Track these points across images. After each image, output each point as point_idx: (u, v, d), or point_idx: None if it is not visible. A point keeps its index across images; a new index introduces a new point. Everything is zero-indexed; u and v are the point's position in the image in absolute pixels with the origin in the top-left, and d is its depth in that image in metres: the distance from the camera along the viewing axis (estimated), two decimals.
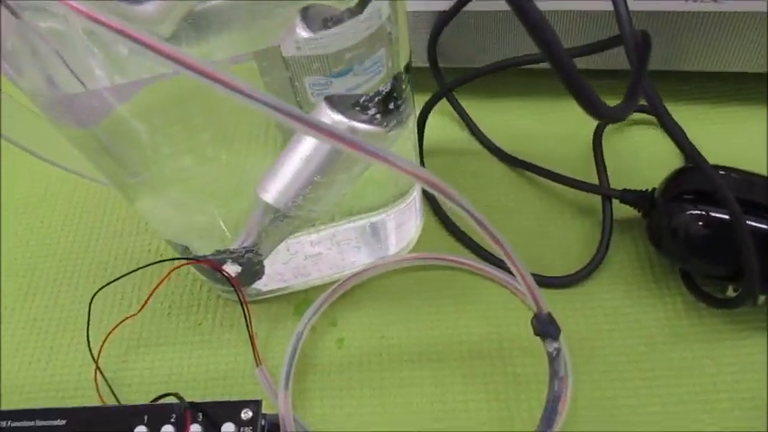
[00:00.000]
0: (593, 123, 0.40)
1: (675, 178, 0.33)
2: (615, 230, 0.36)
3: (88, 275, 0.38)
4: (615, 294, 0.34)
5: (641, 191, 0.34)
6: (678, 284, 0.34)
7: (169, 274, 0.30)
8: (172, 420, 0.28)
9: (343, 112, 0.25)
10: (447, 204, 0.36)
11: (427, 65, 0.40)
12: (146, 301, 0.31)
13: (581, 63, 0.34)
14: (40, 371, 0.34)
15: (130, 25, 0.16)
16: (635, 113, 0.40)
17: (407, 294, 0.35)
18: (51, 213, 0.40)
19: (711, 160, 0.31)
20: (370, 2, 0.22)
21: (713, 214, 0.30)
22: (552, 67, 0.18)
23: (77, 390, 0.33)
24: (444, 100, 0.41)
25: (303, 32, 0.23)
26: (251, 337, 0.32)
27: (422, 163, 0.38)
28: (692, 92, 0.41)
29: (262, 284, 0.35)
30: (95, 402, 0.32)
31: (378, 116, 0.26)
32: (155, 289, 0.30)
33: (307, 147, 0.27)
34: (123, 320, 0.32)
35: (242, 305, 0.32)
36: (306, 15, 0.23)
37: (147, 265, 0.32)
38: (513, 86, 0.43)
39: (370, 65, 0.25)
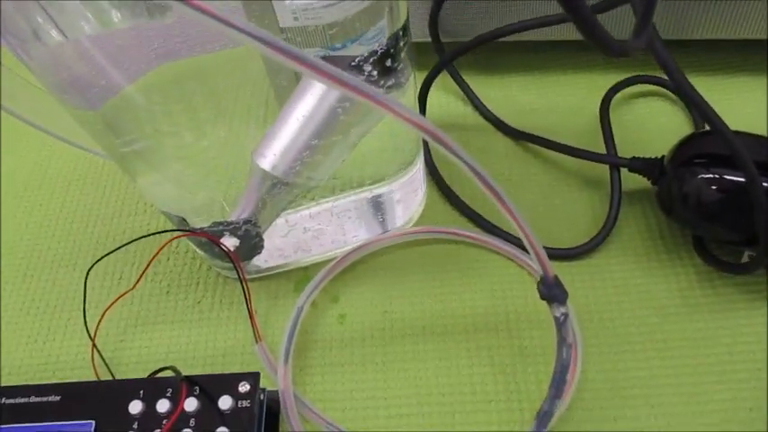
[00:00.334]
0: (598, 97, 0.39)
1: (685, 144, 0.31)
2: (624, 202, 0.35)
3: (86, 256, 0.37)
4: (625, 266, 0.33)
5: (650, 158, 0.33)
6: (691, 255, 0.33)
7: (165, 244, 0.29)
8: (168, 395, 0.28)
9: None
10: (450, 177, 0.36)
11: (427, 40, 0.40)
12: (142, 274, 0.31)
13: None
14: (37, 351, 0.34)
15: None
16: (641, 84, 0.39)
17: (411, 269, 0.34)
18: (50, 196, 0.40)
19: None
20: None
21: (727, 177, 0.29)
22: (562, 4, 0.17)
23: (74, 369, 0.33)
24: (446, 76, 0.41)
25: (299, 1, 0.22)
26: (250, 314, 0.31)
27: (424, 139, 0.37)
28: (692, 64, 0.40)
29: (261, 261, 0.34)
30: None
31: (374, 74, 0.25)
32: (152, 259, 0.29)
33: (303, 109, 0.26)
34: (121, 296, 0.32)
35: (240, 280, 0.31)
36: None
37: (144, 236, 0.31)
38: (515, 63, 0.42)
39: (372, 35, 0.24)
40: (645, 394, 0.29)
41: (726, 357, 0.30)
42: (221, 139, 0.28)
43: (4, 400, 0.28)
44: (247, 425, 0.27)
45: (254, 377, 0.28)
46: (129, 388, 0.28)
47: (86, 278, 0.31)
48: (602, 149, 0.37)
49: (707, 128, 0.35)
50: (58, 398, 0.28)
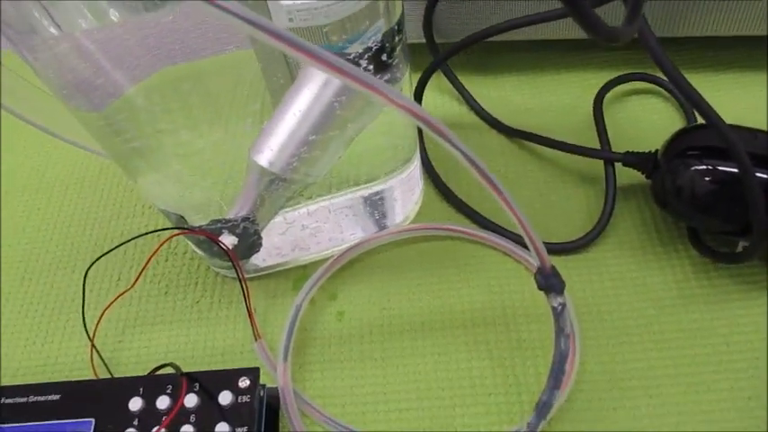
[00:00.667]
0: (591, 95, 0.39)
1: (678, 137, 0.32)
2: (619, 198, 0.35)
3: (84, 259, 0.37)
4: (621, 260, 0.33)
5: (644, 152, 0.33)
6: (686, 248, 0.33)
7: (164, 242, 0.30)
8: (168, 391, 0.28)
9: None
10: (446, 174, 0.36)
11: (422, 41, 0.40)
12: (141, 272, 0.31)
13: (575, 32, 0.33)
14: (35, 352, 0.33)
15: None
16: (633, 82, 0.40)
17: (409, 266, 0.34)
18: (48, 200, 0.40)
19: None
20: None
21: (719, 168, 0.29)
22: None
23: (73, 370, 0.33)
24: (441, 76, 0.41)
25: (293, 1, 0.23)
26: (249, 312, 0.31)
27: (420, 137, 0.38)
28: (684, 60, 0.41)
29: (260, 260, 0.34)
30: None
31: (370, 69, 0.26)
32: (151, 257, 0.29)
33: (299, 104, 0.26)
34: (120, 295, 0.32)
35: (239, 278, 0.31)
36: None
37: (143, 234, 0.31)
38: (509, 63, 0.43)
39: (370, 35, 0.25)
40: (643, 385, 0.29)
41: (723, 347, 0.30)
42: (218, 139, 0.28)
43: (3, 399, 0.28)
44: (248, 420, 0.27)
45: (253, 372, 0.28)
46: (129, 385, 0.28)
47: (85, 278, 0.31)
48: (596, 146, 0.37)
49: (699, 122, 0.35)
50: (57, 396, 0.28)
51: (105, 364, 0.32)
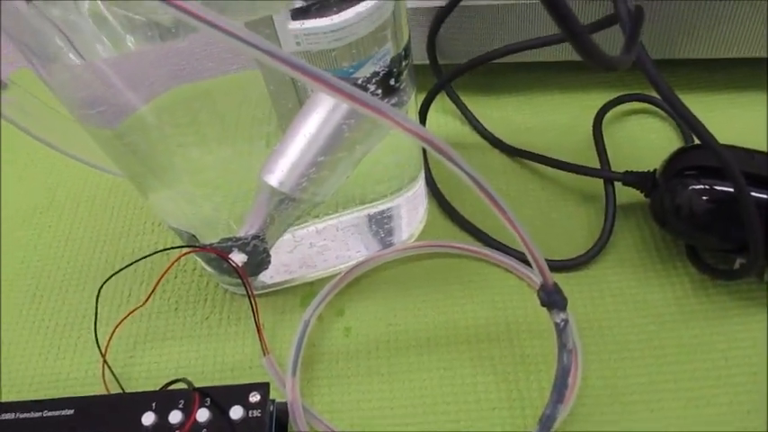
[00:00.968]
0: (591, 116, 0.40)
1: (676, 157, 0.33)
2: (619, 216, 0.36)
3: (95, 277, 0.38)
4: (621, 276, 0.34)
5: (643, 171, 0.34)
6: (685, 264, 0.34)
7: (176, 260, 0.30)
8: (180, 406, 0.28)
9: None
10: (450, 194, 0.37)
11: (426, 62, 0.41)
12: (152, 290, 0.32)
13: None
14: (47, 368, 0.34)
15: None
16: (633, 102, 0.41)
17: (414, 283, 0.35)
18: (58, 219, 0.41)
19: None
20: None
21: (716, 187, 0.30)
22: (554, 17, 0.18)
23: (84, 386, 0.33)
24: (444, 97, 0.42)
25: (299, 25, 0.24)
26: (258, 327, 0.32)
27: (425, 156, 0.39)
28: (679, 82, 0.42)
29: (267, 277, 0.35)
30: None
31: (378, 93, 0.27)
32: (162, 275, 0.30)
33: (309, 127, 0.27)
34: (131, 312, 0.32)
35: (248, 295, 0.32)
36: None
37: (156, 252, 0.32)
38: (511, 84, 0.44)
39: (378, 58, 0.26)
40: (644, 399, 0.30)
41: (722, 362, 0.31)
42: (226, 157, 0.29)
43: (17, 414, 0.29)
44: None
45: (264, 387, 0.28)
46: (142, 400, 0.29)
47: (98, 294, 0.32)
48: (596, 166, 0.38)
49: (696, 142, 0.36)
50: (71, 412, 0.29)
51: (117, 380, 0.32)
